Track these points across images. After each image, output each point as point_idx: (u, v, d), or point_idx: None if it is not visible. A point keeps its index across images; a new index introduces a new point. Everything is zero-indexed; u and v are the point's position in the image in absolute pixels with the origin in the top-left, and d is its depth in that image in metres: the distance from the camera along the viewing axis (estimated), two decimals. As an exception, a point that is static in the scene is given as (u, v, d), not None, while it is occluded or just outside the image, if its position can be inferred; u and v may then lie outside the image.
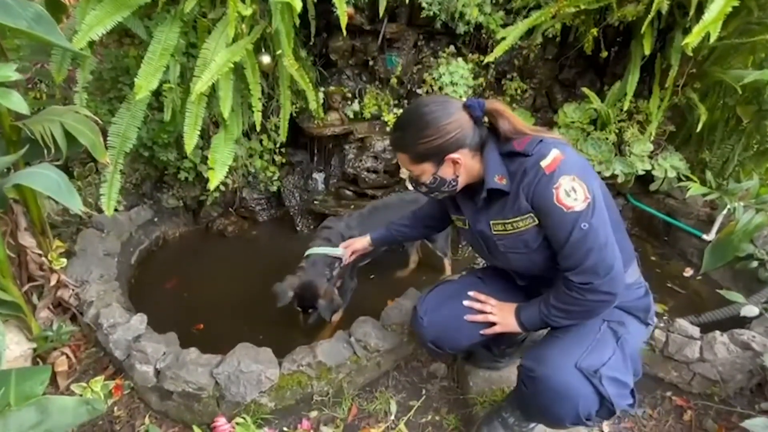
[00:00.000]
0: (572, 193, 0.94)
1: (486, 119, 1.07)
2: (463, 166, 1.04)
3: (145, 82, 1.69)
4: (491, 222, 1.09)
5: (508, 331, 1.18)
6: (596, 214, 0.95)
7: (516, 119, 1.05)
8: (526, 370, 1.06)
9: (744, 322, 1.60)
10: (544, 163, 0.96)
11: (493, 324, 1.19)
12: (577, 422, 1.01)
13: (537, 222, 1.01)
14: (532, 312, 1.12)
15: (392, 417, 1.46)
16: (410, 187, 2.44)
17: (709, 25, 1.64)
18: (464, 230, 1.22)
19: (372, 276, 2.18)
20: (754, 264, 1.96)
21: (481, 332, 1.21)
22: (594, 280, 0.96)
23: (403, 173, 2.46)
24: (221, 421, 1.33)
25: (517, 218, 1.02)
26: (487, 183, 1.03)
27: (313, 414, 1.46)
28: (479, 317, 1.20)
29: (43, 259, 1.62)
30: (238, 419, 1.37)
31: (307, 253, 1.72)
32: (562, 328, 1.09)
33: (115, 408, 1.49)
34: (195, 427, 1.40)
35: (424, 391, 1.55)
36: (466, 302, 1.22)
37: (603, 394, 0.97)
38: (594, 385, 0.97)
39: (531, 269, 1.13)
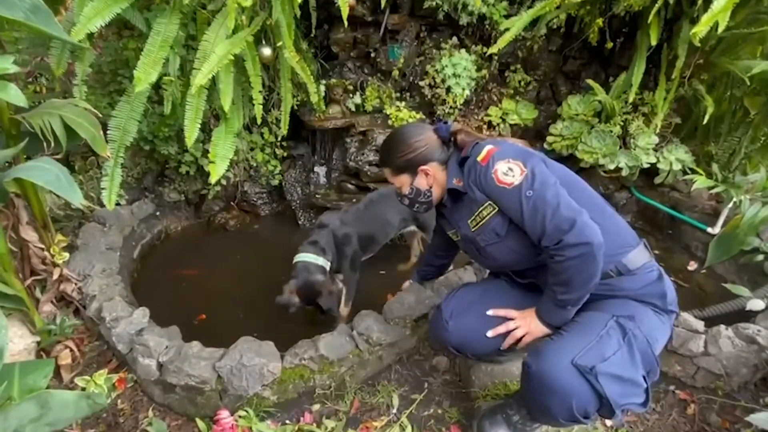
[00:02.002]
0: (509, 172, 1.06)
1: (452, 139, 1.24)
2: (434, 177, 1.22)
3: (145, 74, 1.67)
4: (468, 222, 1.18)
5: (540, 336, 1.17)
6: (537, 181, 1.04)
7: (473, 132, 1.23)
8: (525, 366, 1.07)
9: (749, 316, 1.59)
10: (479, 158, 1.11)
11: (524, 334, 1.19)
12: (572, 420, 1.00)
13: (497, 209, 1.11)
14: (547, 305, 1.12)
15: (394, 410, 1.46)
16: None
17: (717, 14, 1.60)
18: (459, 241, 1.31)
19: (382, 272, 2.19)
20: (760, 257, 1.94)
21: (518, 347, 1.21)
22: (562, 237, 0.99)
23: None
24: (224, 414, 1.33)
25: (480, 209, 1.14)
26: (447, 185, 1.20)
27: (316, 407, 1.46)
28: (501, 328, 1.20)
29: (46, 253, 1.62)
30: (241, 412, 1.38)
31: (295, 260, 1.75)
32: (569, 324, 1.09)
33: (119, 401, 1.50)
34: (198, 420, 1.41)
35: (426, 385, 1.55)
36: (489, 333, 1.20)
37: (600, 391, 0.94)
38: (590, 382, 0.95)
39: (514, 260, 1.17)
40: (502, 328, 1.19)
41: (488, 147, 1.11)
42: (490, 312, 1.22)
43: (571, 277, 1.03)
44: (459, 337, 1.25)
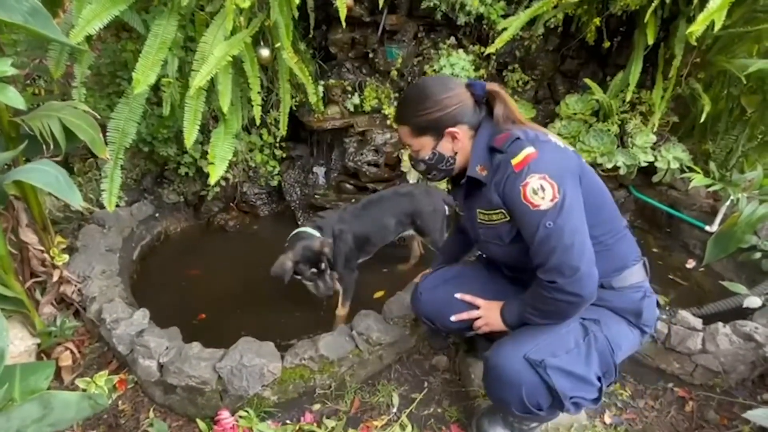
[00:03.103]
0: (540, 192, 0.95)
1: (486, 101, 1.10)
2: (461, 143, 1.07)
3: (143, 76, 1.68)
4: (478, 210, 1.12)
5: (496, 329, 1.19)
6: (563, 214, 0.94)
7: (513, 107, 1.08)
8: (484, 359, 1.10)
9: (746, 314, 1.60)
10: (514, 161, 0.98)
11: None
12: (527, 411, 1.03)
13: (508, 218, 1.04)
14: (514, 308, 1.13)
15: (395, 409, 1.47)
16: (411, 180, 2.44)
17: (713, 13, 1.61)
18: (462, 217, 1.28)
19: (384, 270, 2.21)
20: (757, 255, 1.95)
21: (472, 332, 1.24)
22: (558, 279, 0.96)
23: (405, 166, 2.45)
24: (224, 415, 1.34)
25: (491, 211, 1.06)
26: (469, 170, 1.07)
27: (316, 407, 1.47)
28: (464, 315, 1.23)
29: (45, 255, 1.62)
30: (242, 413, 1.38)
31: (292, 233, 1.77)
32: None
33: (120, 402, 1.50)
34: (199, 421, 1.41)
35: (426, 384, 1.56)
36: (453, 318, 1.24)
37: (549, 384, 0.98)
38: (540, 374, 0.98)
39: (509, 261, 1.18)
40: (464, 315, 1.22)
41: (528, 150, 0.97)
42: (457, 295, 1.24)
43: (548, 312, 1.04)
44: (429, 310, 1.30)
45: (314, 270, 1.68)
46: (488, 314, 1.19)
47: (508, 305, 1.16)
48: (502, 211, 1.03)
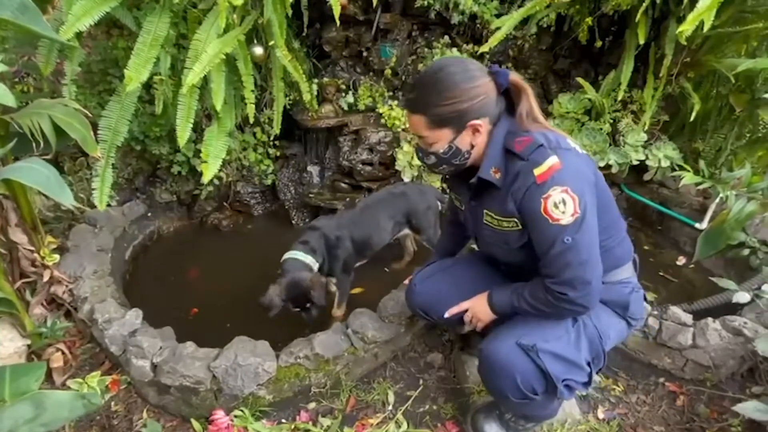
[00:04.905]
0: (561, 206, 0.91)
1: (505, 92, 1.01)
2: (482, 137, 0.99)
3: (135, 74, 1.66)
4: (485, 210, 1.07)
5: (485, 320, 1.20)
6: (582, 230, 0.93)
7: (536, 104, 1.00)
8: (478, 350, 1.12)
9: (736, 309, 1.63)
10: (537, 171, 0.92)
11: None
12: (524, 397, 1.04)
13: (520, 227, 1.01)
14: (503, 296, 1.14)
15: (390, 407, 1.47)
16: (405, 179, 2.44)
17: (702, 13, 1.64)
18: (462, 211, 1.23)
19: (386, 269, 2.25)
20: (746, 252, 1.98)
21: (468, 328, 1.27)
22: (569, 293, 0.97)
23: (399, 165, 2.45)
24: (219, 415, 1.33)
25: (502, 218, 1.03)
26: (481, 171, 1.00)
27: (312, 406, 1.47)
28: (455, 309, 1.25)
29: (35, 255, 1.60)
30: (237, 412, 1.37)
31: (283, 258, 1.72)
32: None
33: (113, 403, 1.49)
34: (193, 421, 1.40)
35: (421, 381, 1.56)
36: (446, 314, 1.26)
37: (542, 367, 1.00)
38: (533, 359, 1.01)
39: (510, 261, 1.20)
40: (455, 309, 1.24)
41: (552, 161, 0.91)
42: (446, 314, 1.25)
43: (548, 313, 1.05)
44: (423, 300, 1.32)
45: (298, 309, 1.64)
46: (475, 306, 1.20)
47: (495, 293, 1.16)
48: (515, 219, 0.99)
